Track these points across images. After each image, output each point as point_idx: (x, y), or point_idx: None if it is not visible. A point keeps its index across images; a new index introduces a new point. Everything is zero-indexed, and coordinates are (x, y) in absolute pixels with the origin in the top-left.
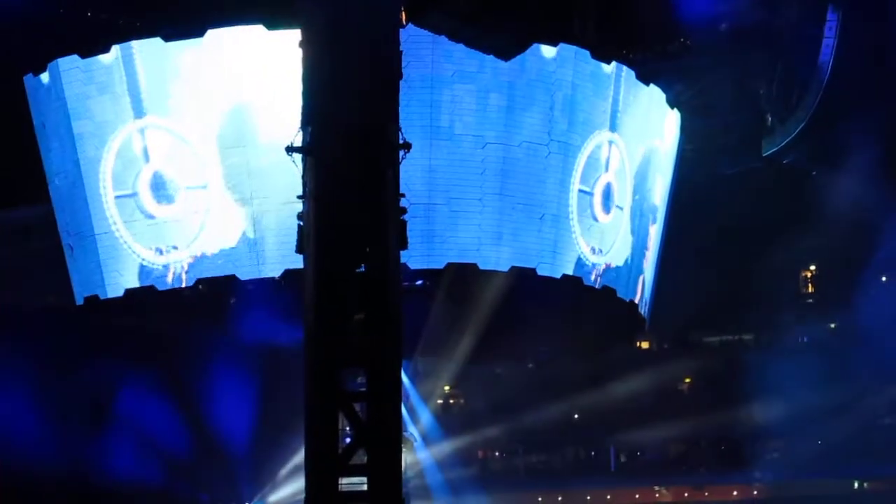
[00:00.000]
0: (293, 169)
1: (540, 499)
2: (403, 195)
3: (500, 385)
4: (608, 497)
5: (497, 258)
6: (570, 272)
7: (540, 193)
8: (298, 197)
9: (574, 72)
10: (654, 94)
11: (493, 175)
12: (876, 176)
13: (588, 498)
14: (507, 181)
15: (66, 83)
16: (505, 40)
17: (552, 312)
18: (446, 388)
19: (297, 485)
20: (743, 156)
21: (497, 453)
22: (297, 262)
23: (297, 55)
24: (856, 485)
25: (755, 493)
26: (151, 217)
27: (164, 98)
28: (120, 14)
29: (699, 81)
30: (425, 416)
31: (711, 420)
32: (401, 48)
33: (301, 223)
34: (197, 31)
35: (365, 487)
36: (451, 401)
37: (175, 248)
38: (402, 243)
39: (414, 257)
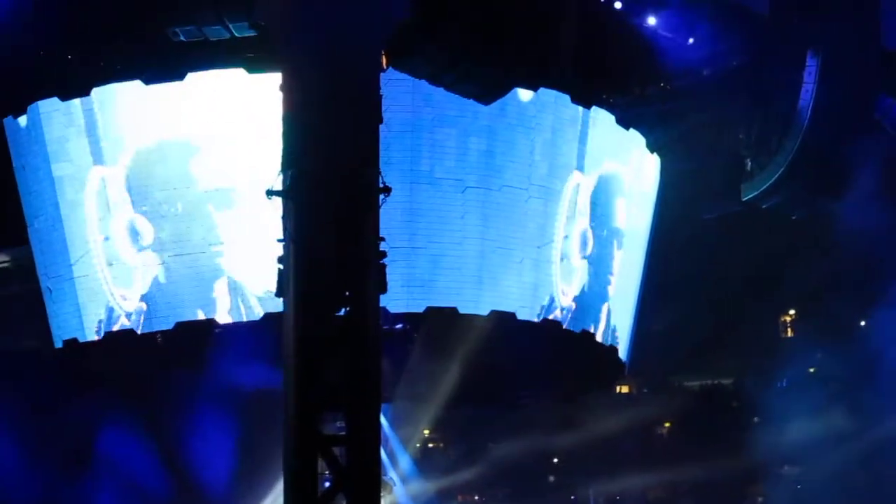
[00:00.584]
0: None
1: None
2: (383, 239)
3: (479, 429)
4: None
5: (477, 302)
6: (549, 316)
7: (520, 238)
8: (278, 240)
9: (554, 116)
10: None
11: (474, 219)
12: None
13: None
14: (488, 225)
15: (45, 126)
16: (485, 85)
17: (532, 356)
18: (426, 431)
19: None
20: (723, 200)
21: (476, 497)
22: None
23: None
24: None
25: None
26: (124, 262)
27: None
28: (100, 57)
29: (679, 126)
30: (405, 460)
31: (692, 465)
32: (381, 92)
33: (281, 267)
34: (177, 73)
35: None
36: (431, 445)
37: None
38: (382, 287)
39: (394, 301)
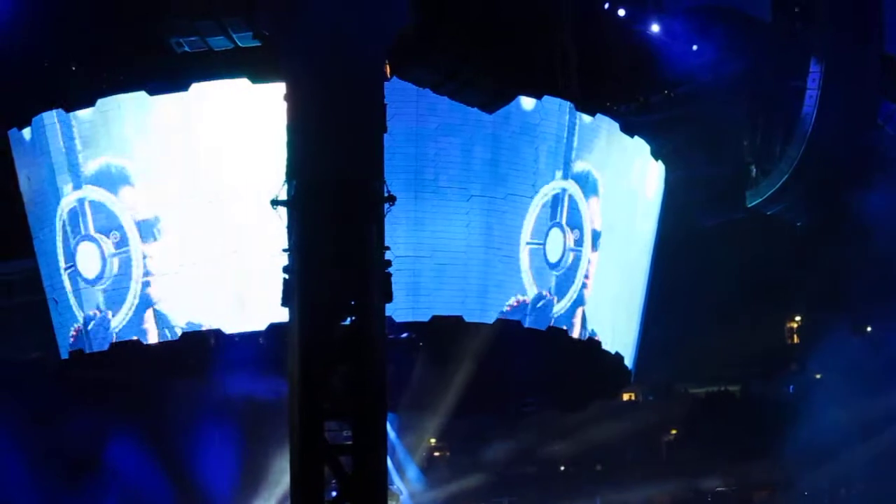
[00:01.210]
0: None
1: None
2: (388, 248)
3: (485, 438)
4: None
5: (482, 310)
6: (553, 324)
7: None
8: (284, 250)
9: (558, 124)
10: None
11: (478, 228)
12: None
13: None
14: (492, 234)
15: (49, 137)
16: (488, 93)
17: (538, 364)
18: (432, 440)
19: None
20: (727, 207)
21: None
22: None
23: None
24: None
25: None
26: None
27: None
28: (104, 68)
29: (683, 133)
30: (411, 469)
31: (698, 473)
32: (385, 101)
33: (286, 276)
34: (182, 84)
35: None
36: (437, 453)
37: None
38: (387, 296)
39: (399, 310)
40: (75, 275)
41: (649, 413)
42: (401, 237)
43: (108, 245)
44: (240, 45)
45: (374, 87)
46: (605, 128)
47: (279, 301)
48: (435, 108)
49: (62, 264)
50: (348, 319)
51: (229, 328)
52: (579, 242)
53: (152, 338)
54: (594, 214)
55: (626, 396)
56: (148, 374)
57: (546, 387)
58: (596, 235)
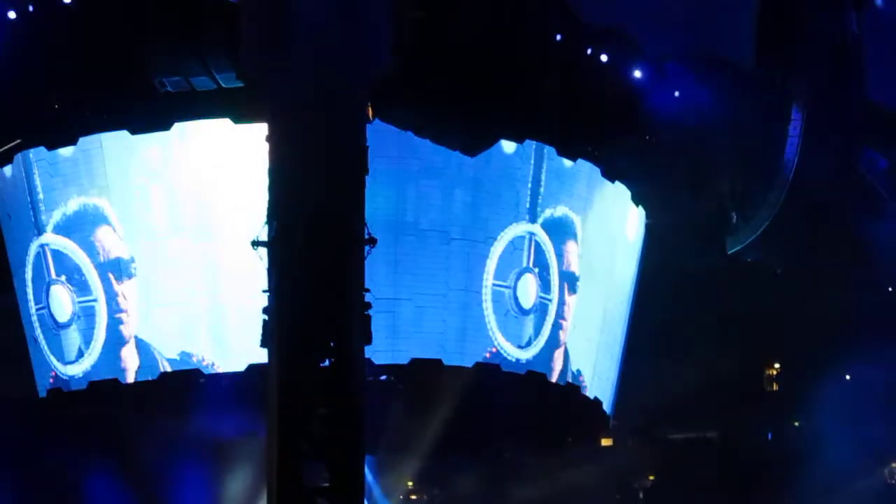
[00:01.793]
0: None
1: None
2: (368, 290)
3: (462, 480)
4: None
5: (462, 354)
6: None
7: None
8: (263, 291)
9: (538, 168)
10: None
11: (459, 270)
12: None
13: None
14: (473, 276)
15: (31, 175)
16: (470, 137)
17: (516, 408)
18: (409, 483)
19: None
20: (707, 253)
21: None
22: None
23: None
24: None
25: None
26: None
27: None
28: (87, 106)
29: (664, 178)
30: None
31: None
32: (367, 143)
33: (266, 317)
34: (164, 123)
35: None
36: (413, 496)
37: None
38: (367, 338)
39: (378, 352)
40: (46, 318)
41: (626, 458)
42: (381, 279)
43: (73, 289)
44: (223, 85)
45: (356, 128)
46: (586, 173)
47: (258, 342)
48: (416, 151)
49: (32, 307)
50: (327, 361)
51: (207, 368)
52: (546, 288)
53: (130, 377)
54: (571, 258)
55: (605, 442)
56: (125, 413)
57: (524, 431)
58: (574, 279)
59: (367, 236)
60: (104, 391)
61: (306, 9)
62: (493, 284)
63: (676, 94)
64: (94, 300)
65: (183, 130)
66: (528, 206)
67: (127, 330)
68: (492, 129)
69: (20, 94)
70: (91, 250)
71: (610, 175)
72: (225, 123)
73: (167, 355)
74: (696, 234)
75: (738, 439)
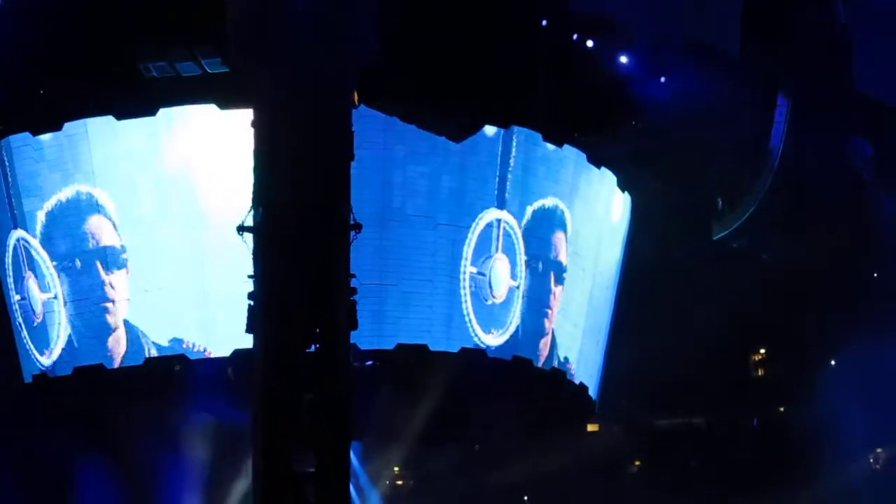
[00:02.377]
0: None
1: None
2: (354, 276)
3: (448, 466)
4: None
5: (448, 339)
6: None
7: None
8: (249, 276)
9: (525, 154)
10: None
11: (445, 256)
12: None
13: None
14: (459, 262)
15: (17, 160)
16: (456, 123)
17: (502, 394)
18: (396, 469)
19: None
20: (693, 239)
21: None
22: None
23: None
24: None
25: None
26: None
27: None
28: (72, 91)
29: (650, 165)
30: (374, 498)
31: None
32: (353, 129)
33: (251, 303)
34: (150, 109)
35: None
36: (400, 482)
37: None
38: (353, 324)
39: (364, 338)
40: (27, 307)
41: (613, 444)
42: (366, 265)
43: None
44: (209, 71)
45: (342, 114)
46: (573, 159)
47: (244, 327)
48: (402, 137)
49: (14, 296)
50: (313, 347)
51: (193, 354)
52: (515, 275)
53: (117, 362)
54: (559, 248)
55: (590, 427)
56: (111, 399)
57: (510, 416)
58: (561, 269)
59: (352, 222)
60: (88, 377)
61: None
62: (469, 271)
63: (663, 80)
64: (54, 298)
65: (169, 116)
66: (496, 192)
67: (113, 319)
68: (477, 115)
69: (4, 80)
70: (76, 239)
71: (596, 161)
72: (211, 109)
73: (158, 342)
74: (682, 219)
75: (724, 425)
